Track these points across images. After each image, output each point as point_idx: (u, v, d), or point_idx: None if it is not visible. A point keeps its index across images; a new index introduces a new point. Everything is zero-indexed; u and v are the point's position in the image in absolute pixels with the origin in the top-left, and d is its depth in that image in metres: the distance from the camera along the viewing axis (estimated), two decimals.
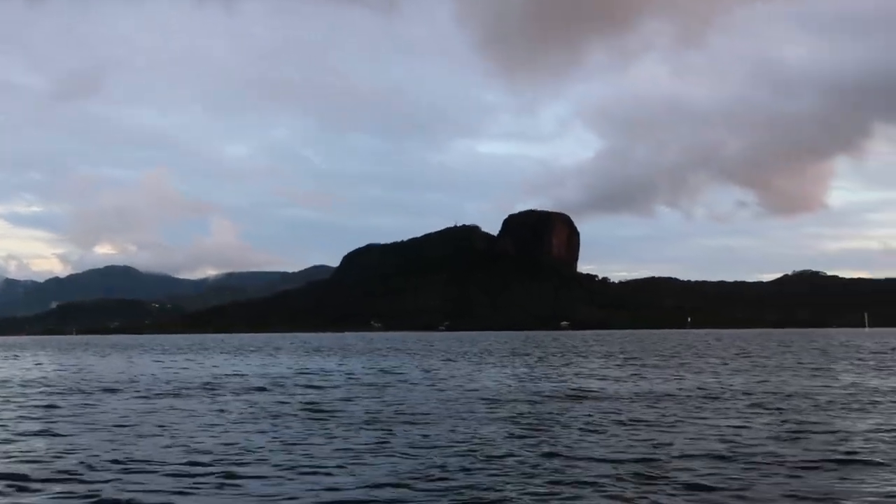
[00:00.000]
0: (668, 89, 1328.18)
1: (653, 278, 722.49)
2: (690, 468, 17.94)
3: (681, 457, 19.38)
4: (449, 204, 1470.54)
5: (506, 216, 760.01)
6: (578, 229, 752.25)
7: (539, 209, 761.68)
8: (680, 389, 39.27)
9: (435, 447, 21.23)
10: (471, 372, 57.48)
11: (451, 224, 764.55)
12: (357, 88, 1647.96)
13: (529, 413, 29.10)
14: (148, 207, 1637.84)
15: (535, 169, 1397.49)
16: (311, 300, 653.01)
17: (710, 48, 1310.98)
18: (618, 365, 66.42)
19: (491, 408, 31.00)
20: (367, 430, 24.72)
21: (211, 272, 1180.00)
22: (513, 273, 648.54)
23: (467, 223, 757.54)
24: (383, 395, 37.84)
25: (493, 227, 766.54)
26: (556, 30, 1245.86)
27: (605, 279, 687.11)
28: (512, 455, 19.89)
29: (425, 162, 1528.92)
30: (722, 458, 19.30)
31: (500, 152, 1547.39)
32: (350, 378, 51.64)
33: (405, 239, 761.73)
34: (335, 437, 23.20)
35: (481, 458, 19.53)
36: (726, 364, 66.04)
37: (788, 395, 35.24)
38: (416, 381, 47.27)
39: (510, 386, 43.42)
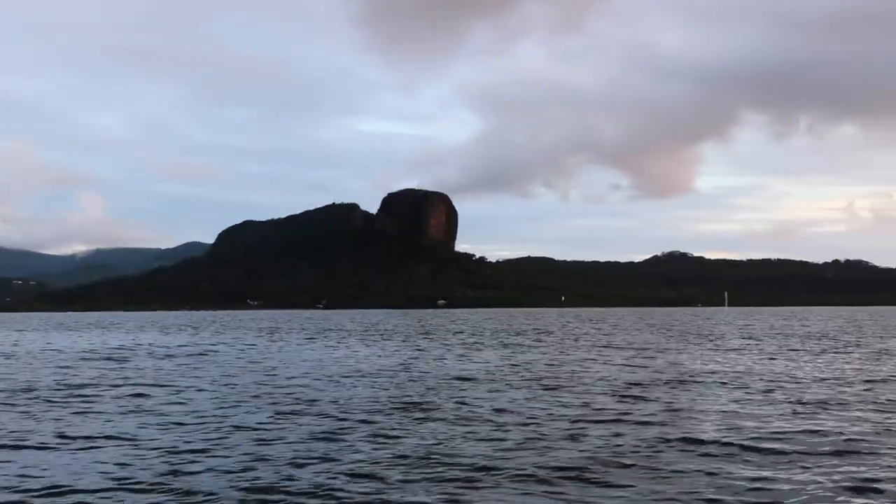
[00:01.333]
0: (548, 72, 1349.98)
1: (529, 258, 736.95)
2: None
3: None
4: (328, 181, 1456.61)
5: (385, 195, 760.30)
6: (457, 209, 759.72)
7: (418, 188, 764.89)
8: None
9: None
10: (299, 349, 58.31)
11: (330, 201, 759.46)
12: (235, 60, 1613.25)
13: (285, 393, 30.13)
14: (10, 179, 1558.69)
15: (414, 148, 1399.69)
16: (186, 278, 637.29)
17: (588, 33, 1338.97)
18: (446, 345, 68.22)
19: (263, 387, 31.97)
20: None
21: (79, 248, 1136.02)
22: (391, 251, 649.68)
23: (346, 201, 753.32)
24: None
25: (372, 205, 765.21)
26: (438, 9, 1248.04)
27: (482, 258, 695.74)
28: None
29: (305, 138, 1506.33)
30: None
31: (381, 130, 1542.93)
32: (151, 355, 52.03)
33: (283, 216, 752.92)
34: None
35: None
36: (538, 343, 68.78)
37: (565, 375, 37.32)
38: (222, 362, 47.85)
39: (320, 362, 44.41)
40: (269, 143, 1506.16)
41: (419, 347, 62.91)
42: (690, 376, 35.83)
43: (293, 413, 24.59)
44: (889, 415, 23.76)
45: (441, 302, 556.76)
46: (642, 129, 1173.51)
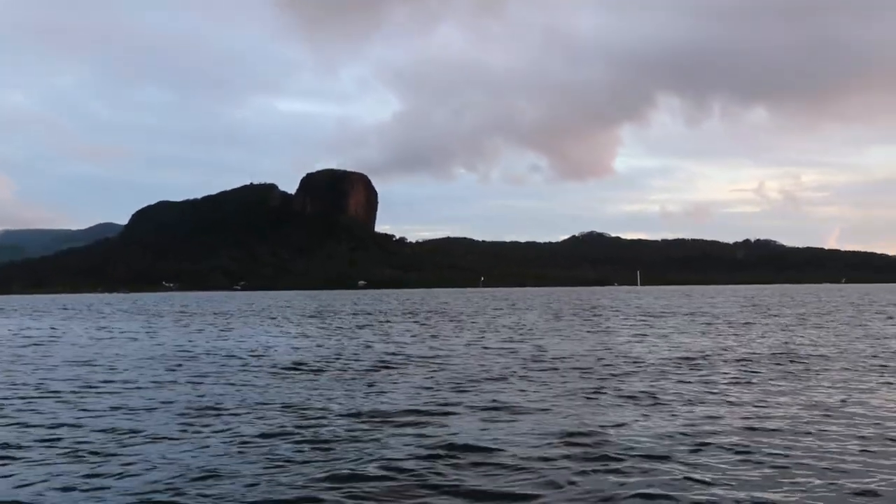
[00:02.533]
0: (468, 55, 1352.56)
1: (449, 238, 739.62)
2: None
3: None
4: (245, 161, 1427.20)
5: (304, 175, 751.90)
6: (377, 189, 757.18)
7: (338, 168, 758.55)
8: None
9: None
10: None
11: (247, 182, 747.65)
12: (147, 37, 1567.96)
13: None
14: None
15: (334, 128, 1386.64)
16: (98, 259, 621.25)
17: (507, 16, 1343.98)
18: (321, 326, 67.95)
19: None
20: None
21: None
22: (310, 232, 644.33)
23: (264, 181, 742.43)
24: None
25: (290, 185, 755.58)
26: None
27: (402, 239, 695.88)
28: None
29: (221, 117, 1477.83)
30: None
31: (299, 110, 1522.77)
32: None
33: (199, 196, 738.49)
34: None
35: None
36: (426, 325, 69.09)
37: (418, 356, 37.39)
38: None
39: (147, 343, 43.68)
40: (184, 123, 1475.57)
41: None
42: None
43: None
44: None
45: (361, 283, 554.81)
46: (561, 112, 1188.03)
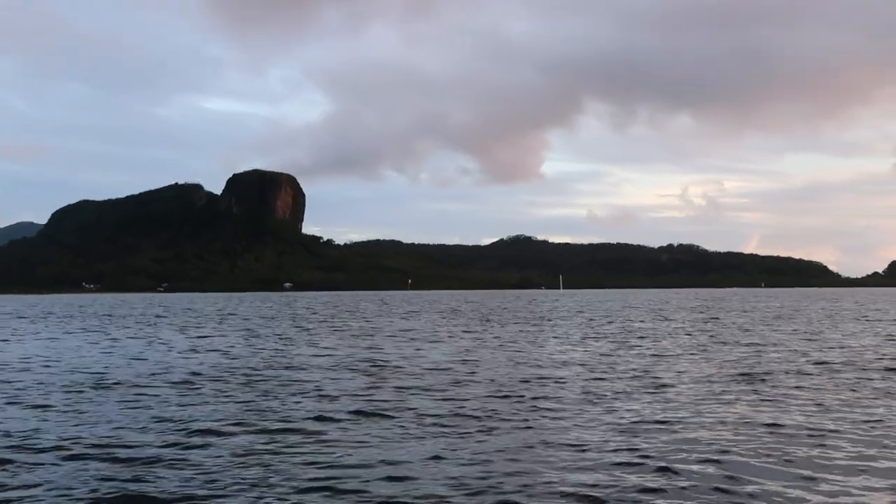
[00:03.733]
0: (399, 56, 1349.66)
1: (378, 241, 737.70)
2: None
3: None
4: (170, 161, 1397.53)
5: (230, 175, 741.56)
6: (305, 191, 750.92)
7: (265, 169, 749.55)
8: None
9: None
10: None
11: (172, 182, 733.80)
12: (69, 31, 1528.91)
13: None
14: None
15: (262, 128, 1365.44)
16: (15, 260, 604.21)
17: (438, 18, 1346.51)
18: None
19: None
20: None
21: None
22: (236, 233, 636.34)
23: (189, 181, 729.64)
24: None
25: (216, 186, 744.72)
26: None
27: (330, 241, 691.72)
28: None
29: (145, 115, 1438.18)
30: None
31: (227, 109, 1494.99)
32: None
33: (123, 196, 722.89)
34: None
35: None
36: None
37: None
38: None
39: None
40: (108, 121, 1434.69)
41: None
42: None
43: None
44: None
45: (287, 285, 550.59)
46: (491, 115, 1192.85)
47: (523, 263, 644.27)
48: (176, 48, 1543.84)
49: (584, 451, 17.27)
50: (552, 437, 18.83)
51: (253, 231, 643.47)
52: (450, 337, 55.25)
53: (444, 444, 18.01)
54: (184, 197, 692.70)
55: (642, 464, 16.06)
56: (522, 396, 25.03)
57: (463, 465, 16.09)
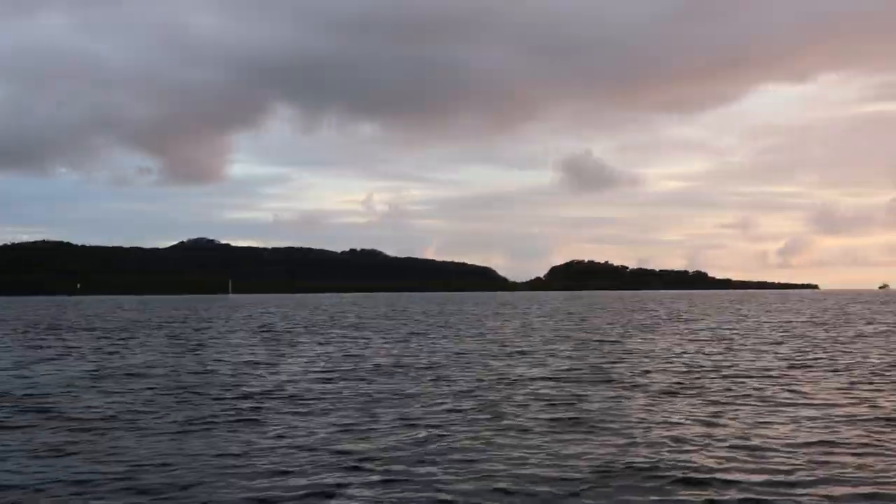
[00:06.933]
0: (74, 44, 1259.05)
1: (45, 241, 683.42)
2: None
3: None
4: None
5: None
6: None
7: None
8: None
9: None
10: None
11: None
12: None
13: None
14: None
15: None
16: None
17: (118, 6, 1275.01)
18: None
19: None
20: None
21: None
22: None
23: None
24: None
25: None
26: None
27: None
28: None
29: None
30: None
31: None
32: None
33: None
34: None
35: None
36: None
37: None
38: None
39: None
40: None
41: None
42: None
43: None
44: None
45: None
46: (174, 113, 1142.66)
47: (204, 267, 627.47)
48: None
49: None
50: None
51: None
52: None
53: None
54: None
55: None
56: None
57: None
